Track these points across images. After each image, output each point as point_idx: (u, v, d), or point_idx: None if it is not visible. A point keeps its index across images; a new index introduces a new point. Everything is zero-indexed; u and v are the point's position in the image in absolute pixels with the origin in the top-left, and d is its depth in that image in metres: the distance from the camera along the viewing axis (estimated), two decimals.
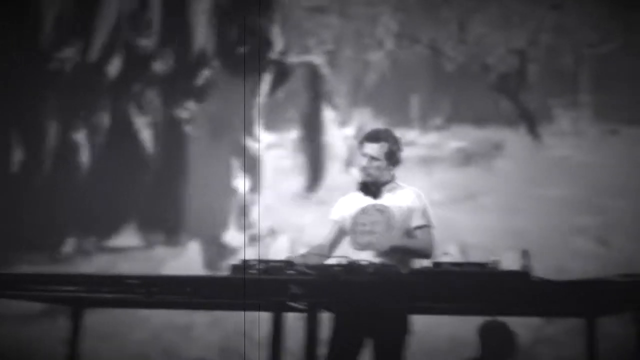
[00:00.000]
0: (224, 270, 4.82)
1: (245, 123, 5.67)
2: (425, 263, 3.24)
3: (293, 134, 5.79)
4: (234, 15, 5.96)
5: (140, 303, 3.53)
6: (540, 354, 4.94)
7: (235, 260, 3.21)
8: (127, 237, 5.72)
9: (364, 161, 3.49)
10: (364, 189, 3.52)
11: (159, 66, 5.95)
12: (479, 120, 5.57)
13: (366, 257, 3.21)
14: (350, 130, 5.68)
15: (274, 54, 5.87)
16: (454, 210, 5.27)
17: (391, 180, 3.52)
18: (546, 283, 2.87)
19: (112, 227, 5.74)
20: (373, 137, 3.51)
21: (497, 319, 4.11)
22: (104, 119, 5.97)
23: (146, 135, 5.92)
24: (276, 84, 5.84)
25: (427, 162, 5.48)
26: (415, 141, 5.51)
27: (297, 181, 5.68)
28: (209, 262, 5.53)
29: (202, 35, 5.99)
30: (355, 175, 3.61)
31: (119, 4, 6.05)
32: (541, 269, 2.91)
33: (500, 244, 4.93)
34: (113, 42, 6.02)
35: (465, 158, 5.52)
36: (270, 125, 5.77)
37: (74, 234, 5.74)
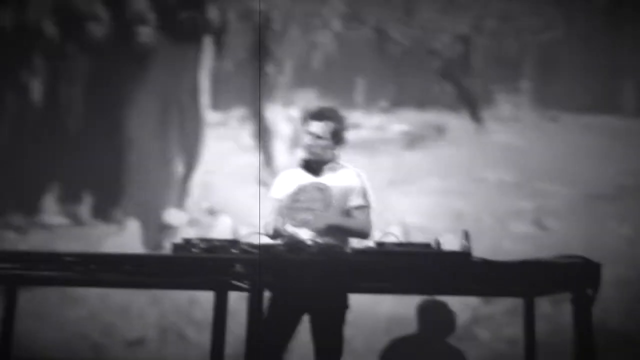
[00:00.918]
0: (164, 250, 4.77)
1: (190, 98, 5.59)
2: (366, 243, 3.26)
3: (237, 112, 5.72)
4: None
5: (78, 281, 3.44)
6: (478, 334, 5.04)
7: (177, 239, 3.17)
8: (57, 215, 5.56)
9: (308, 139, 3.48)
10: (306, 166, 3.52)
11: (94, 28, 5.74)
12: (423, 104, 5.61)
13: (307, 235, 3.23)
14: (295, 111, 5.66)
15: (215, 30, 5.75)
16: (397, 191, 5.32)
17: (333, 159, 3.52)
18: (487, 263, 2.92)
19: (37, 201, 5.55)
20: (319, 115, 3.50)
21: (435, 298, 4.18)
22: (33, 82, 5.74)
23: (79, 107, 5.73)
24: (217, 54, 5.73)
25: (371, 144, 5.51)
26: (360, 123, 5.52)
27: (241, 160, 5.63)
28: (148, 241, 5.44)
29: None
30: (299, 153, 3.60)
31: None
32: (480, 250, 2.97)
33: (441, 225, 5.01)
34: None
35: (409, 141, 5.56)
36: (215, 103, 5.70)
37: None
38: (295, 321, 3.36)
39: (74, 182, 5.56)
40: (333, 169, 3.50)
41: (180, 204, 5.53)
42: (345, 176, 3.48)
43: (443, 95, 5.65)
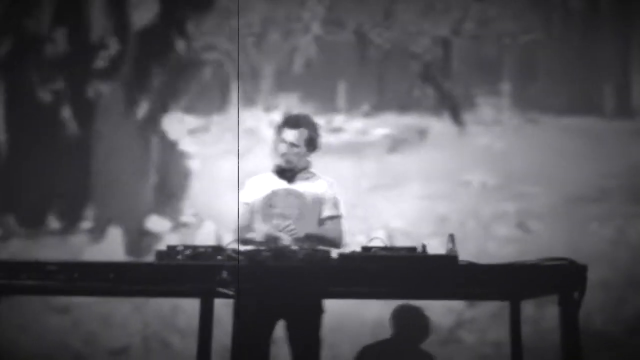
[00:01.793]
0: (147, 257, 4.72)
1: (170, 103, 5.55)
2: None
3: (218, 118, 5.69)
4: None
5: (60, 290, 3.40)
6: (463, 337, 5.05)
7: (161, 246, 3.14)
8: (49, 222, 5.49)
9: (283, 147, 3.50)
10: (279, 172, 3.54)
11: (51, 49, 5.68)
12: (405, 107, 5.62)
13: (287, 241, 3.23)
14: (276, 115, 5.63)
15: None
16: (380, 196, 5.32)
17: (307, 166, 3.55)
18: (473, 267, 2.92)
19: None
20: (292, 123, 3.52)
21: (410, 303, 4.18)
22: None
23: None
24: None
25: (353, 148, 5.50)
26: (342, 127, 5.52)
27: (223, 166, 5.60)
28: (131, 249, 5.39)
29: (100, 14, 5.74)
30: (274, 160, 3.60)
31: None
32: (464, 253, 2.97)
33: (425, 229, 5.02)
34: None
35: (392, 144, 5.57)
36: (193, 108, 5.67)
37: None
38: (271, 327, 3.32)
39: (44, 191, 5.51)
40: (306, 177, 3.54)
41: (162, 210, 5.49)
42: (318, 185, 3.53)
43: (424, 98, 5.66)
